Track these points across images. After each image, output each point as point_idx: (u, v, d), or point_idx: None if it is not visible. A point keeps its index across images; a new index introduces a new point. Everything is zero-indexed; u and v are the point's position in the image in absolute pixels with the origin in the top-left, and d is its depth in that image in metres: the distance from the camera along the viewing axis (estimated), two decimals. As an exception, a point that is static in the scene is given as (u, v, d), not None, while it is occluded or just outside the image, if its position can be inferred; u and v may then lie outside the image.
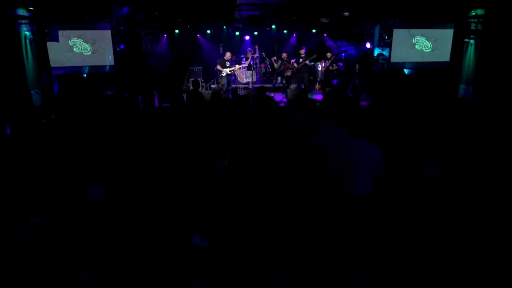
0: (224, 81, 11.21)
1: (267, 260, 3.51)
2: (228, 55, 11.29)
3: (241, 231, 4.06)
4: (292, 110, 6.64)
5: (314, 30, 13.18)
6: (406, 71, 11.47)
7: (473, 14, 8.80)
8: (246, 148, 5.42)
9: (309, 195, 4.76)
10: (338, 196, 4.30)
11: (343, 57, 13.28)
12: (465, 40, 8.95)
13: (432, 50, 9.88)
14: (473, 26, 8.82)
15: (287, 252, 3.76)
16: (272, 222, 4.10)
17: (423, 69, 10.45)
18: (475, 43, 8.83)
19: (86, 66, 10.30)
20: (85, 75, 10.54)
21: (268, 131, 5.74)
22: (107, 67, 10.52)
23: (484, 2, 8.38)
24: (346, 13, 9.40)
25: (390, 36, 10.46)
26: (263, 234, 3.95)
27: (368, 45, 12.92)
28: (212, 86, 12.34)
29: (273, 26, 12.33)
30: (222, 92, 10.50)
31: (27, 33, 8.19)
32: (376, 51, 12.27)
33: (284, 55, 11.75)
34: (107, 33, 10.15)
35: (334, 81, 12.90)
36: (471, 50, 8.98)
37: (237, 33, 13.13)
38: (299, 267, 3.56)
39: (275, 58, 12.31)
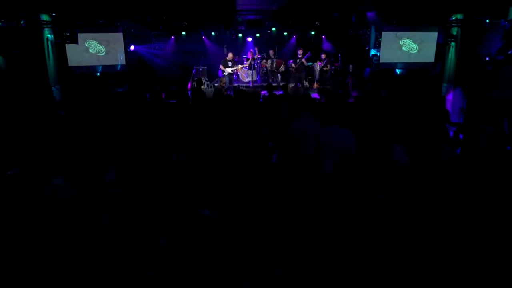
0: (226, 80, 12.29)
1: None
2: (230, 55, 12.33)
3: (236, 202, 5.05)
4: (278, 104, 7.64)
5: (313, 32, 14.14)
6: (398, 71, 12.39)
7: (453, 18, 9.68)
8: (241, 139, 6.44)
9: (288, 174, 5.78)
10: (314, 174, 5.28)
11: (340, 58, 14.22)
12: (448, 41, 9.83)
13: (418, 51, 10.77)
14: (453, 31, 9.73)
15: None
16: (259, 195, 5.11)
17: (412, 69, 11.36)
18: (455, 45, 9.71)
19: (100, 65, 11.44)
20: (98, 74, 11.68)
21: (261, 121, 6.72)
22: (119, 66, 11.63)
23: (464, 8, 9.25)
24: (335, 16, 10.36)
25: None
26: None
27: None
28: (216, 84, 13.38)
29: (273, 29, 13.33)
30: (223, 90, 11.55)
31: (49, 36, 9.34)
32: (372, 52, 13.18)
33: (271, 52, 12.86)
34: (119, 35, 11.26)
35: (330, 81, 13.87)
36: (451, 52, 9.86)
37: (240, 35, 14.14)
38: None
39: (264, 60, 13.41)
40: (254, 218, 5.01)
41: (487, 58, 8.26)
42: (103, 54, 11.17)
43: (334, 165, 5.17)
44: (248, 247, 4.57)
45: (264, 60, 13.60)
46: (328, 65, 13.03)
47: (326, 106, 9.22)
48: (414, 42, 10.70)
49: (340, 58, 14.20)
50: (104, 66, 11.41)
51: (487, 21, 8.19)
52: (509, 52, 7.89)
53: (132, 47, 12.40)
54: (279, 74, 13.53)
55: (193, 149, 6.67)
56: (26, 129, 6.47)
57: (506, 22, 7.84)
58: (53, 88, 9.42)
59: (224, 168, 5.67)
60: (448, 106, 9.78)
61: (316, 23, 11.47)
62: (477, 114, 7.96)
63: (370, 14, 10.28)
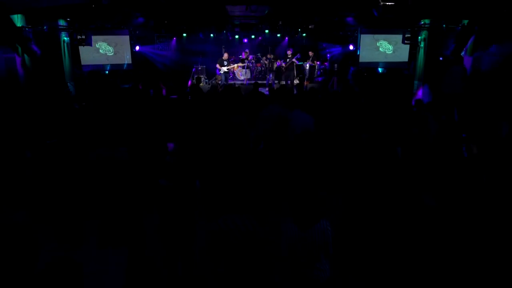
0: (222, 78, 13.82)
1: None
2: (225, 55, 13.88)
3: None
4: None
5: (304, 34, 15.62)
6: (380, 70, 13.83)
7: (422, 23, 11.10)
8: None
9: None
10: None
11: (328, 58, 15.70)
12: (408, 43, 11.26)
13: (393, 52, 12.21)
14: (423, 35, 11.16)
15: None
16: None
17: (390, 68, 12.80)
18: (424, 46, 11.13)
19: (108, 64, 13.03)
20: (107, 72, 13.27)
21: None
22: (125, 65, 13.22)
23: (430, 14, 10.67)
24: (311, 26, 11.90)
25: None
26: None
27: (351, 47, 15.29)
28: (213, 82, 14.93)
29: (266, 31, 14.85)
30: (219, 87, 13.08)
31: (65, 38, 10.95)
32: (359, 52, 14.62)
33: (270, 55, 14.40)
34: (126, 38, 12.85)
35: (319, 79, 15.35)
36: (421, 52, 11.28)
37: (236, 37, 15.69)
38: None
39: (264, 58, 14.96)
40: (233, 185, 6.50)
41: (441, 58, 9.66)
42: (112, 54, 12.76)
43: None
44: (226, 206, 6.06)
45: (264, 58, 15.15)
46: (316, 62, 14.52)
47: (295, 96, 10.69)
48: (389, 43, 12.14)
49: (329, 58, 15.71)
50: (112, 65, 12.99)
51: (444, 26, 9.60)
52: (462, 54, 9.31)
53: (137, 48, 13.97)
54: (272, 73, 15.05)
55: (189, 137, 8.19)
56: (53, 113, 8.06)
57: (459, 27, 9.25)
58: (68, 84, 11.02)
59: (213, 149, 7.18)
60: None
61: (304, 26, 12.93)
62: (433, 105, 9.40)
63: (350, 19, 11.73)
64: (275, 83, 14.58)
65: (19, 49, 8.98)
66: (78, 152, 5.43)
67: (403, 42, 10.76)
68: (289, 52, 14.06)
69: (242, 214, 3.34)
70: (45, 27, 9.39)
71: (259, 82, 14.31)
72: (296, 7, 10.40)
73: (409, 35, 10.52)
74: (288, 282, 3.46)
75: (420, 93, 11.32)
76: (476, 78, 9.09)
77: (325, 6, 10.23)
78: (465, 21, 9.13)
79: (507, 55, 8.00)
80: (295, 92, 12.95)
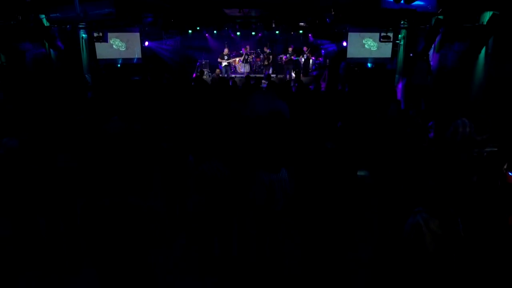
0: (223, 70, 15.60)
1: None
2: (226, 50, 15.66)
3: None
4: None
5: (301, 31, 17.28)
6: (369, 65, 15.43)
7: (402, 23, 12.68)
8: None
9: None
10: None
11: (323, 53, 17.34)
12: (397, 41, 12.87)
13: (377, 48, 13.80)
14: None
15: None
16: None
17: (376, 63, 14.41)
18: (404, 44, 12.70)
19: (120, 58, 14.83)
20: (119, 65, 15.07)
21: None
22: (135, 59, 15.01)
23: (408, 16, 12.24)
24: (302, 23, 13.58)
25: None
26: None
27: (344, 44, 16.90)
28: (213, 75, 16.69)
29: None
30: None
31: (84, 35, 12.77)
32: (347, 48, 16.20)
33: (265, 49, 16.15)
34: (137, 34, 14.63)
35: (314, 73, 17.00)
36: (401, 49, 12.85)
37: (238, 34, 17.40)
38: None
39: (261, 55, 16.72)
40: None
41: (411, 54, 11.23)
42: (124, 49, 14.56)
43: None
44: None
45: (261, 55, 16.91)
46: (310, 56, 16.23)
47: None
48: (374, 41, 13.73)
49: (323, 54, 17.35)
50: (124, 59, 14.78)
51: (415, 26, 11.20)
52: (430, 52, 10.90)
53: (146, 43, 15.75)
54: (271, 67, 16.80)
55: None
56: (75, 98, 9.90)
57: (427, 27, 10.84)
58: (86, 75, 12.86)
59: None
60: (399, 94, 12.82)
61: (295, 24, 14.65)
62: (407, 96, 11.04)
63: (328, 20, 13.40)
64: (274, 76, 16.31)
65: (47, 45, 10.82)
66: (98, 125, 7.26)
67: (380, 40, 12.37)
68: (290, 49, 15.81)
69: (219, 161, 5.08)
70: (68, 26, 11.21)
71: (258, 75, 16.11)
72: (280, 9, 12.12)
73: (385, 34, 12.11)
74: (251, 214, 5.13)
75: (400, 86, 12.92)
76: (442, 72, 10.69)
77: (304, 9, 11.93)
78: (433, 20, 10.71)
79: (462, 52, 9.60)
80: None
